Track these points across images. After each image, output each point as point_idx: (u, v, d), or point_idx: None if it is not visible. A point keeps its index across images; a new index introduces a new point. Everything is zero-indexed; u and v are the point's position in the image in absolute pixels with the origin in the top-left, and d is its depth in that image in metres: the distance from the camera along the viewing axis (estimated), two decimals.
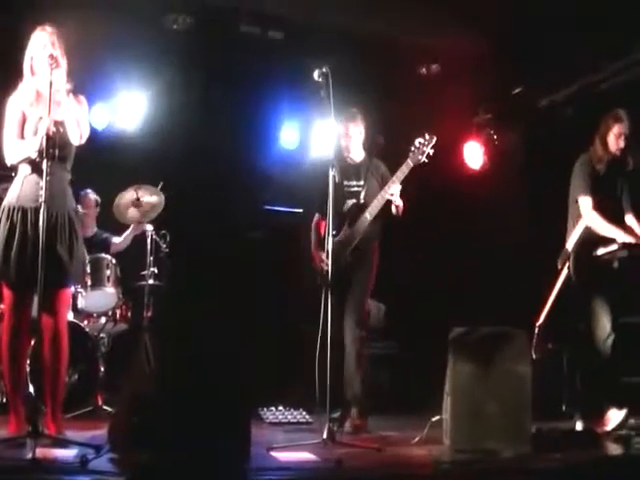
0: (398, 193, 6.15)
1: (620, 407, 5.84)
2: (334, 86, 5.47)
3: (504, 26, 7.33)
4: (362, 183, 6.38)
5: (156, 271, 7.08)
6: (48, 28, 5.00)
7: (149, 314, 6.82)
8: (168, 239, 7.18)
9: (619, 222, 6.13)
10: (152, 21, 7.26)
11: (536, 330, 6.33)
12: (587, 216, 6.03)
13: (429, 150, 6.17)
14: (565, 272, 6.09)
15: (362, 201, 6.33)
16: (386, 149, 8.37)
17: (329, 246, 5.44)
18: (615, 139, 6.12)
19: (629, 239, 5.82)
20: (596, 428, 5.88)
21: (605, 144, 6.14)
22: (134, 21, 7.14)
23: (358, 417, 6.18)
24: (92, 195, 7.45)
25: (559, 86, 8.36)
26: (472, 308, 7.40)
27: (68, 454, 4.30)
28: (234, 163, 8.03)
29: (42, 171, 4.62)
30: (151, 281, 7.01)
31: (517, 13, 7.15)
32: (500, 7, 7.11)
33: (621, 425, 5.76)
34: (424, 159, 6.16)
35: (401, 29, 7.47)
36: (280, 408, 6.70)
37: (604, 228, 5.94)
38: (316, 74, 5.48)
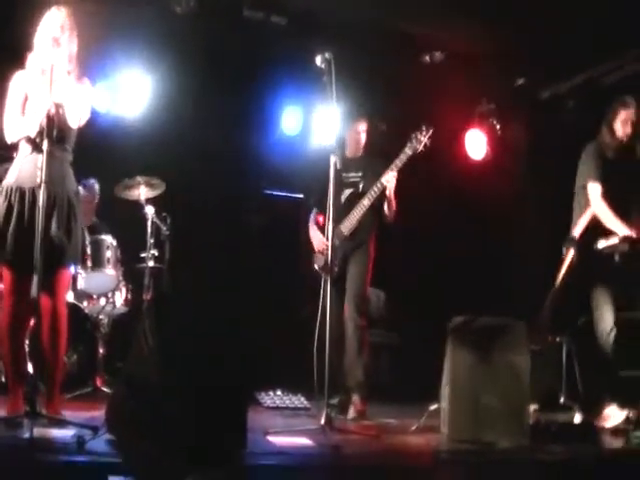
0: (394, 181, 6.17)
1: (621, 405, 5.80)
2: (336, 73, 5.42)
3: (507, 16, 7.23)
4: (361, 174, 6.44)
5: (156, 253, 7.07)
6: (63, 9, 4.94)
7: (149, 296, 6.80)
8: (169, 222, 7.14)
9: (626, 211, 6.06)
10: (156, 4, 7.17)
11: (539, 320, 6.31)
12: (595, 204, 5.96)
13: (426, 140, 6.22)
14: (569, 259, 6.03)
15: (360, 190, 6.36)
16: (388, 136, 8.36)
17: (329, 232, 5.41)
18: (622, 125, 6.06)
19: (630, 232, 5.76)
20: (595, 422, 5.85)
21: (612, 130, 6.08)
22: (138, 3, 7.05)
23: (360, 403, 6.20)
24: (96, 185, 7.39)
25: (562, 78, 8.30)
26: (473, 298, 7.36)
27: (65, 434, 4.25)
28: (235, 148, 7.98)
29: (42, 152, 4.56)
30: (151, 263, 7.00)
31: (521, 4, 7.05)
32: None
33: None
34: (421, 148, 6.21)
35: (405, 17, 7.38)
36: (278, 393, 6.70)
37: (609, 219, 5.88)
38: (319, 60, 5.44)
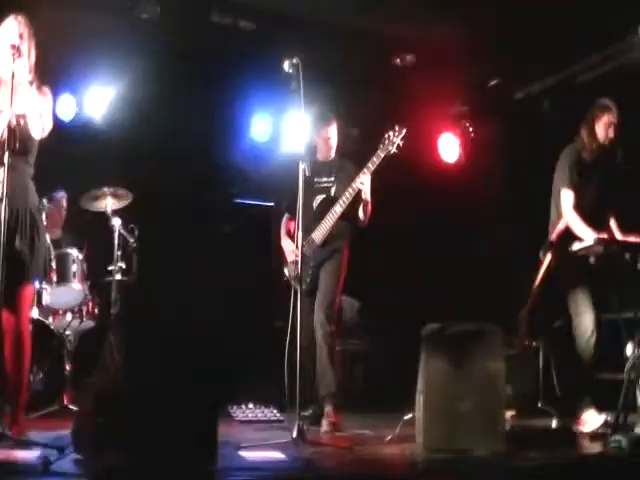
0: (368, 183, 6.18)
1: (599, 410, 5.84)
2: (306, 77, 5.44)
3: (480, 17, 7.28)
4: (332, 179, 6.44)
5: (124, 266, 7.05)
6: (20, 18, 4.91)
7: (116, 310, 6.79)
8: (136, 233, 7.13)
9: (602, 214, 6.14)
10: (121, 9, 7.17)
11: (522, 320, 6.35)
12: (566, 212, 6.03)
13: (399, 141, 6.20)
14: (547, 263, 6.08)
15: (332, 195, 6.36)
16: (360, 140, 8.39)
17: (299, 241, 5.42)
18: (604, 128, 6.09)
19: (602, 235, 5.80)
20: (572, 427, 5.89)
21: (593, 133, 6.11)
22: (103, 9, 7.05)
23: (334, 414, 6.16)
24: (65, 198, 7.37)
25: (535, 78, 8.36)
26: (449, 304, 7.40)
27: (30, 456, 4.23)
28: (204, 156, 7.99)
29: (2, 164, 4.54)
30: (118, 276, 6.98)
31: (493, 4, 7.10)
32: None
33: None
34: (394, 150, 6.19)
35: (374, 19, 7.42)
36: (250, 406, 6.68)
37: (579, 228, 5.91)
38: (286, 65, 5.45)
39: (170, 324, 4.52)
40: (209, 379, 4.44)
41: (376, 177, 6.26)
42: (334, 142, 6.56)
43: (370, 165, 6.17)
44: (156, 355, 4.26)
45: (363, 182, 6.15)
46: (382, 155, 6.17)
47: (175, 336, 4.43)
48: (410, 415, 5.29)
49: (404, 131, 6.21)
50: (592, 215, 6.01)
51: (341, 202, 6.22)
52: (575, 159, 6.12)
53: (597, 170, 6.14)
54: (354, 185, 6.16)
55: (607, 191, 6.22)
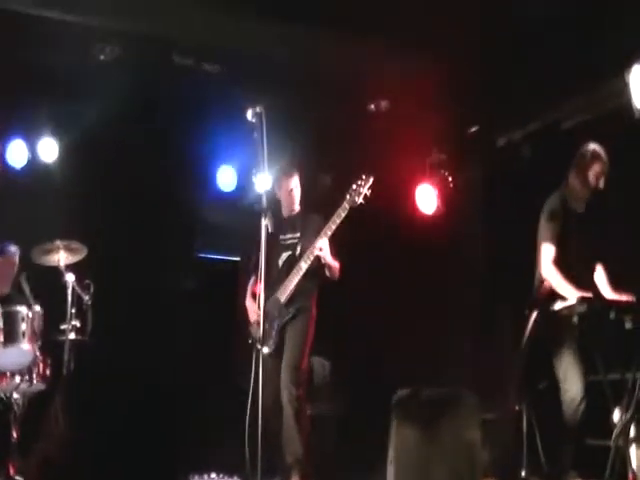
0: (327, 248, 6.23)
1: (585, 478, 5.80)
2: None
3: (459, 61, 7.36)
4: (298, 235, 6.48)
5: (78, 325, 6.97)
6: None
7: (69, 371, 6.70)
8: (92, 290, 7.07)
9: (589, 266, 6.17)
10: (76, 51, 7.18)
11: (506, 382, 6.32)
12: (545, 267, 6.04)
13: (366, 191, 6.26)
14: (532, 322, 6.06)
15: (298, 252, 6.39)
16: (333, 189, 8.40)
17: (261, 300, 5.41)
18: (594, 177, 6.13)
19: (584, 294, 5.76)
20: None
21: (584, 181, 6.14)
22: (60, 51, 7.07)
23: None
24: (17, 253, 7.28)
25: (518, 124, 8.42)
26: (425, 365, 7.38)
27: None
28: (164, 205, 7.98)
29: None
30: (72, 335, 6.90)
31: (472, 48, 7.18)
32: (455, 42, 7.15)
33: None
34: (360, 201, 6.24)
35: (348, 64, 7.47)
36: (213, 475, 6.63)
37: (559, 284, 5.91)
38: (249, 114, 5.49)
39: (122, 387, 4.47)
40: (164, 446, 4.38)
41: (348, 229, 6.27)
42: (297, 195, 6.61)
43: (336, 218, 6.22)
44: (105, 420, 4.22)
45: (322, 247, 6.20)
46: (348, 207, 6.23)
47: (127, 400, 4.38)
48: None
49: (371, 181, 6.28)
50: (580, 269, 6.03)
51: (306, 259, 6.26)
52: (560, 208, 6.14)
53: (585, 220, 6.17)
54: (315, 247, 6.20)
55: (594, 243, 6.24)
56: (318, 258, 6.24)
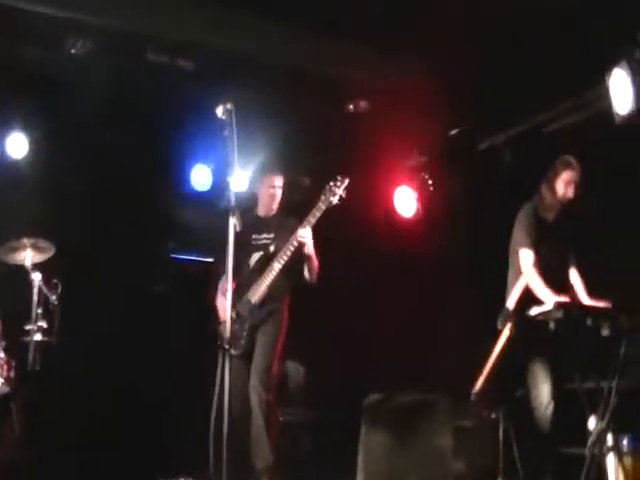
0: (310, 237, 6.22)
1: None
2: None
3: (442, 63, 7.35)
4: (272, 236, 6.47)
5: (45, 325, 6.91)
6: None
7: (31, 374, 6.63)
8: (59, 289, 7.01)
9: (563, 276, 6.21)
10: (50, 44, 7.13)
11: (473, 396, 6.32)
12: (526, 271, 6.08)
13: (341, 192, 6.29)
14: (506, 333, 6.07)
15: (271, 252, 6.37)
16: (311, 191, 8.37)
17: (227, 301, 5.37)
18: (564, 186, 6.20)
19: (562, 299, 5.79)
20: None
21: (553, 191, 6.22)
22: (30, 44, 7.02)
23: None
24: None
25: (500, 128, 8.41)
26: (400, 370, 7.36)
27: None
28: (136, 204, 7.93)
29: None
30: (38, 337, 6.83)
31: (455, 50, 7.17)
32: (438, 44, 7.13)
33: None
34: (336, 201, 6.26)
35: (326, 63, 7.45)
36: (181, 479, 6.55)
37: (539, 288, 5.97)
38: (220, 111, 5.44)
39: (88, 390, 4.46)
40: (130, 448, 4.37)
41: (323, 232, 6.26)
42: (278, 195, 6.60)
43: (311, 218, 6.22)
44: (70, 422, 4.20)
45: (304, 236, 6.17)
46: (323, 207, 6.24)
47: (93, 403, 4.36)
48: None
49: (346, 181, 6.32)
50: (553, 278, 6.05)
51: (280, 259, 6.24)
52: (534, 218, 6.21)
53: (557, 230, 6.22)
54: (293, 240, 6.19)
55: (569, 252, 6.30)
56: (293, 258, 6.20)
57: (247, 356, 6.25)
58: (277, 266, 6.24)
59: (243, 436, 6.12)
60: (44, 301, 6.95)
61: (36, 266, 6.96)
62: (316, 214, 6.23)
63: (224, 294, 6.42)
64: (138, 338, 7.67)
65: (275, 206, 6.62)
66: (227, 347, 5.53)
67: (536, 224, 6.18)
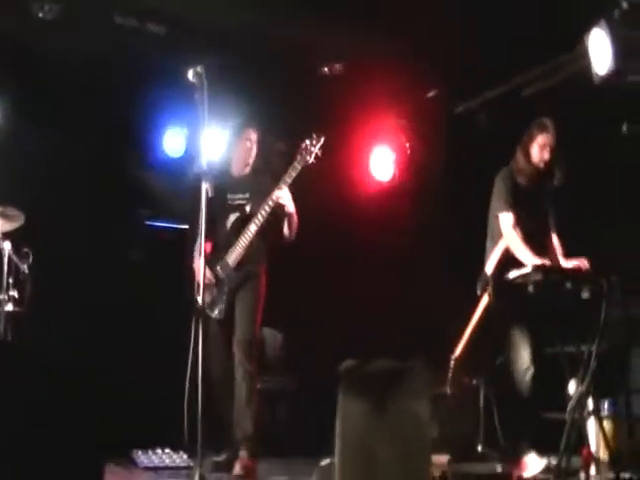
0: (288, 197, 6.18)
1: (541, 453, 5.81)
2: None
3: (419, 25, 7.27)
4: (248, 195, 6.39)
5: (16, 295, 6.87)
6: None
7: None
8: (30, 259, 6.94)
9: (542, 241, 6.17)
10: (17, 9, 7.01)
11: (452, 363, 6.31)
12: (506, 233, 6.06)
13: (317, 151, 6.24)
14: (485, 299, 6.05)
15: (247, 213, 6.29)
16: (286, 155, 8.29)
17: (200, 266, 5.31)
18: (539, 150, 6.16)
19: (542, 261, 5.78)
20: (513, 471, 5.84)
21: (528, 155, 6.19)
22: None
23: (248, 459, 6.08)
24: None
25: (478, 91, 8.35)
26: (377, 336, 7.33)
27: None
28: (109, 172, 7.84)
29: None
30: (9, 307, 6.80)
31: (432, 13, 7.09)
32: (414, 7, 7.04)
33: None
34: (312, 160, 6.22)
35: (300, 25, 7.36)
36: (157, 450, 6.55)
37: (519, 249, 5.96)
38: (190, 74, 5.38)
39: (61, 360, 4.38)
40: (106, 421, 4.31)
41: (297, 195, 6.20)
42: (253, 153, 6.53)
43: (287, 178, 6.17)
44: (43, 394, 4.13)
45: (281, 196, 6.12)
46: (299, 167, 6.19)
47: (67, 374, 4.30)
48: (327, 461, 5.19)
49: (322, 140, 6.26)
50: (531, 243, 6.01)
51: (256, 221, 6.18)
52: (510, 181, 6.18)
53: (533, 194, 6.20)
54: (269, 202, 6.12)
55: (545, 216, 6.28)
56: (271, 219, 6.16)
57: (226, 321, 6.17)
58: (253, 228, 6.17)
59: (222, 403, 6.07)
60: (15, 270, 6.90)
61: (5, 235, 6.90)
62: (292, 174, 6.17)
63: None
64: (112, 307, 7.59)
65: (250, 161, 6.53)
66: (204, 309, 5.49)
67: (512, 188, 6.15)
